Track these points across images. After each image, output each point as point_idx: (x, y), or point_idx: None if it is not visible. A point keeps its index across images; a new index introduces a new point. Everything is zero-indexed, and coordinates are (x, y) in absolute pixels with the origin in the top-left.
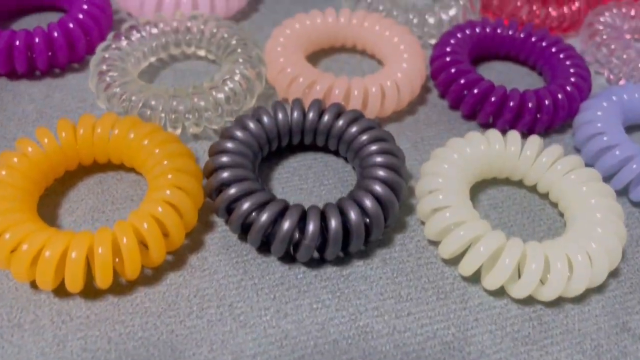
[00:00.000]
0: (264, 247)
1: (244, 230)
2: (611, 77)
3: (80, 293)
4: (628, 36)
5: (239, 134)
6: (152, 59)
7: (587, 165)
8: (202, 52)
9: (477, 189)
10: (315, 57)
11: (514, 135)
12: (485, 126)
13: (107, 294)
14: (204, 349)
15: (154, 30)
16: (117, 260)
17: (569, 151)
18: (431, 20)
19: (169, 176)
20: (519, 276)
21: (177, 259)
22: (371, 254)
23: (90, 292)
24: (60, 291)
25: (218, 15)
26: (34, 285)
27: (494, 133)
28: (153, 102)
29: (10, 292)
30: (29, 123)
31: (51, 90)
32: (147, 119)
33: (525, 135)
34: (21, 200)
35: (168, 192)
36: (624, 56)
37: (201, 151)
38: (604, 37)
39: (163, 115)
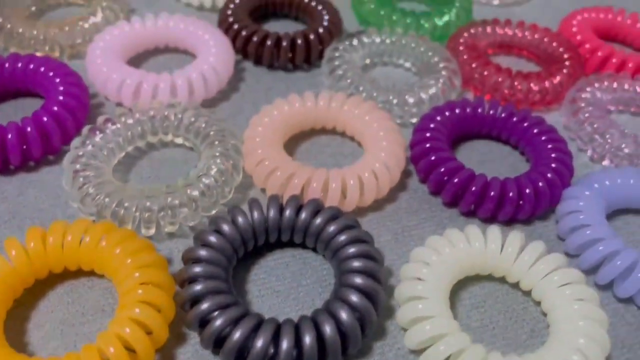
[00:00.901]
0: None
1: (217, 344)
2: (594, 155)
3: None
4: (612, 108)
5: (212, 239)
6: (129, 149)
7: (572, 256)
8: (179, 140)
9: (459, 286)
10: (295, 139)
11: (494, 231)
12: (467, 214)
13: None
14: None
15: (130, 121)
16: None
17: (553, 240)
18: (411, 100)
19: (139, 291)
20: None
21: None
22: None
23: None
24: None
25: (196, 103)
26: None
27: (473, 230)
28: (126, 204)
29: None
30: (1, 224)
31: (25, 187)
32: (121, 218)
33: (507, 223)
34: None
35: (137, 310)
36: (607, 136)
37: (176, 250)
38: (587, 115)
39: (137, 214)
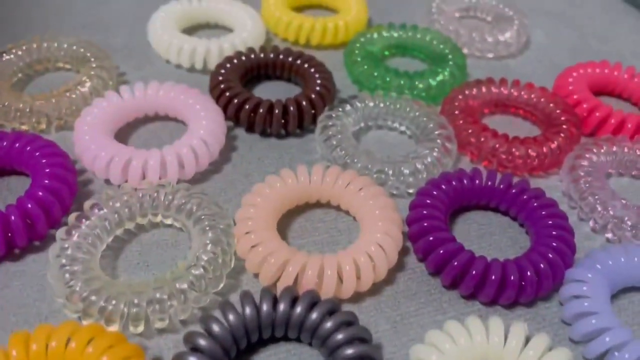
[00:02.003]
0: None
1: None
2: (596, 226)
3: None
4: (612, 171)
5: (202, 342)
6: (118, 232)
7: (580, 342)
8: (169, 221)
9: None
10: (289, 214)
11: (496, 323)
12: (468, 297)
13: None
14: None
15: (117, 204)
16: None
17: (557, 323)
18: (406, 170)
19: None
20: None
21: None
22: None
23: None
24: None
25: (187, 185)
26: None
27: (474, 322)
28: (114, 301)
29: None
30: None
31: (9, 279)
32: (108, 316)
33: (509, 306)
34: None
35: None
36: (609, 208)
37: (166, 348)
38: (587, 185)
39: (125, 310)
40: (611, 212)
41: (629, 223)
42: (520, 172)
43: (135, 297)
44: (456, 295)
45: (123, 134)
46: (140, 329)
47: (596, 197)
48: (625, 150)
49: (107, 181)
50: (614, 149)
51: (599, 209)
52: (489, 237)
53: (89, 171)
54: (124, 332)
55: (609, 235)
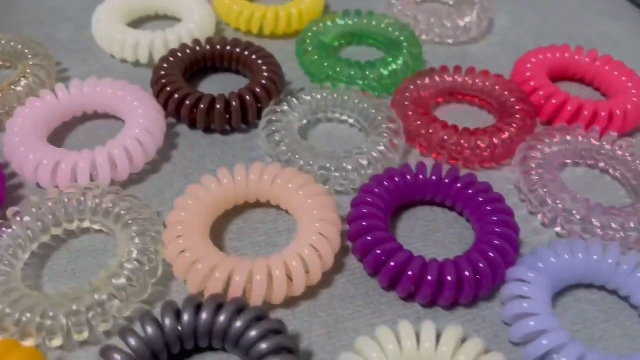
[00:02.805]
0: None
1: None
2: (545, 220)
3: None
4: (568, 161)
5: (117, 357)
6: (45, 239)
7: (520, 344)
8: (97, 226)
9: None
10: (228, 215)
11: (428, 327)
12: (407, 299)
13: None
14: None
15: (42, 210)
16: None
17: (499, 324)
18: (349, 167)
19: None
20: None
21: None
22: None
23: None
24: None
25: (117, 187)
26: None
27: (406, 328)
28: (28, 314)
29: None
30: None
31: None
32: (23, 329)
33: (449, 307)
34: None
35: None
36: (558, 201)
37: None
38: (537, 177)
39: (41, 323)
40: (560, 205)
41: (578, 217)
42: (471, 164)
43: (51, 310)
44: (395, 296)
45: (60, 135)
46: (58, 342)
47: (545, 189)
48: (580, 139)
49: (39, 185)
50: (568, 138)
51: (549, 201)
52: (434, 234)
53: (21, 175)
54: (44, 346)
55: (558, 229)
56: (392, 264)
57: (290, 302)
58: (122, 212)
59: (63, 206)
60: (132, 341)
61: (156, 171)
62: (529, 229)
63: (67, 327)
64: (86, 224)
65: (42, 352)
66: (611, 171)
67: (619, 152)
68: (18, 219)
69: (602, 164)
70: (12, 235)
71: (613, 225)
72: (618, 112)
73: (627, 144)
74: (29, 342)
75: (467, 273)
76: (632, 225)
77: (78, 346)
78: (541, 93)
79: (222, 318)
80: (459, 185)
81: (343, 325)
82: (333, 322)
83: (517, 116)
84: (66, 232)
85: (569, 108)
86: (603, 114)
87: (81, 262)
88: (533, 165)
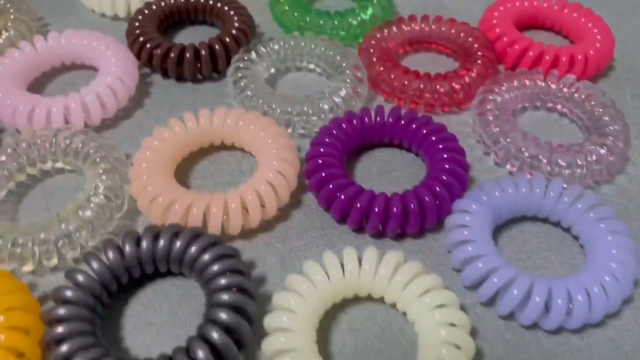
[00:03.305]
0: None
1: None
2: (497, 159)
3: None
4: (527, 104)
5: (80, 278)
6: (21, 178)
7: (457, 270)
8: (69, 167)
9: (340, 309)
10: (195, 156)
11: (371, 252)
12: (357, 231)
13: None
14: None
15: (16, 151)
16: None
17: (443, 254)
18: (310, 110)
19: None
20: None
21: None
22: None
23: None
24: None
25: (87, 130)
26: None
27: (349, 253)
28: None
29: None
30: None
31: None
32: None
33: (398, 238)
34: None
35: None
36: (508, 139)
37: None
38: (491, 117)
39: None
40: (511, 144)
41: (527, 154)
42: (432, 108)
43: (21, 237)
44: (347, 229)
45: (39, 85)
46: (29, 268)
47: (497, 129)
48: (539, 82)
49: (18, 131)
50: (527, 82)
51: (501, 140)
52: (390, 173)
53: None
54: (18, 271)
55: (509, 166)
56: (342, 197)
57: (248, 234)
58: (91, 151)
59: (36, 147)
60: (94, 264)
61: (128, 117)
62: (482, 168)
63: (37, 254)
64: (59, 165)
65: (16, 276)
66: (568, 113)
67: (576, 95)
68: None
69: (559, 107)
70: None
71: (560, 162)
72: (579, 56)
73: (584, 86)
74: (2, 267)
75: (412, 205)
76: (578, 162)
77: (49, 271)
78: (505, 39)
79: (177, 244)
80: (414, 126)
81: (296, 254)
82: (287, 252)
83: (479, 62)
84: (41, 172)
85: (530, 53)
86: (564, 58)
87: (54, 199)
88: (489, 107)
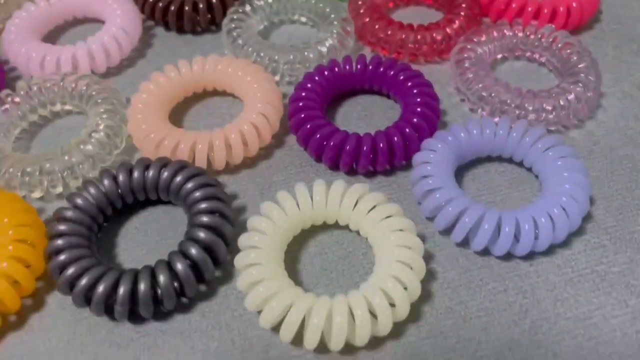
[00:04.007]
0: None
1: (70, 290)
2: (470, 106)
3: None
4: (507, 54)
5: (79, 200)
6: (33, 118)
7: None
8: (77, 109)
9: (309, 235)
10: (189, 101)
11: (338, 184)
12: (332, 169)
13: None
14: None
15: (29, 93)
16: None
17: (410, 188)
18: (297, 59)
19: (10, 247)
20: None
21: (19, 319)
22: (193, 307)
23: None
24: None
25: (92, 75)
26: None
27: (318, 185)
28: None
29: None
30: None
31: None
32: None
33: (369, 175)
34: None
35: (5, 264)
36: (480, 85)
37: None
38: (466, 65)
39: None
40: (482, 89)
41: (497, 99)
42: (414, 58)
43: (29, 167)
44: (323, 167)
45: (53, 36)
46: (37, 194)
47: (471, 75)
48: (518, 33)
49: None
50: (506, 33)
51: (473, 86)
52: (369, 118)
53: (17, 68)
54: (29, 197)
55: (480, 111)
56: (318, 136)
57: (232, 169)
58: (94, 94)
59: (46, 91)
60: (92, 189)
61: (131, 66)
62: (458, 114)
63: (45, 183)
64: (67, 107)
65: (28, 202)
66: (546, 63)
67: (553, 44)
68: (9, 99)
69: (537, 56)
70: (5, 113)
71: (527, 106)
72: (561, 8)
73: (562, 35)
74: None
75: (381, 144)
76: (545, 106)
77: (55, 198)
78: None
79: (165, 174)
80: (391, 72)
81: (275, 188)
82: (267, 186)
83: (462, 14)
84: (51, 113)
85: (513, 5)
86: (546, 10)
87: (63, 137)
88: (466, 56)
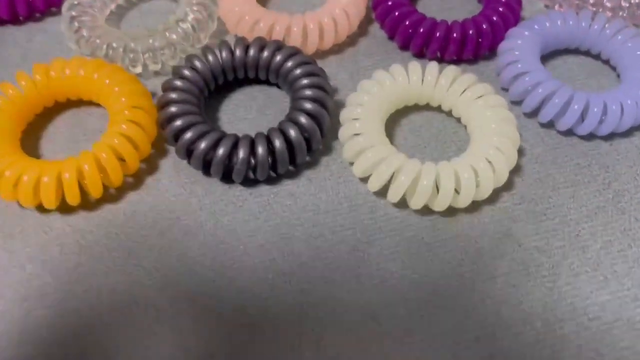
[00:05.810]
0: (208, 170)
1: (189, 156)
2: (547, 3)
3: (58, 209)
4: None
5: (186, 72)
6: (120, 1)
7: (505, 89)
8: None
9: (401, 114)
10: None
11: (432, 66)
12: (418, 56)
13: (79, 209)
14: (154, 252)
15: None
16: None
17: (493, 77)
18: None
19: (126, 112)
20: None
21: (137, 181)
22: (299, 174)
23: (65, 207)
24: (42, 208)
25: None
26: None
27: (414, 65)
28: (115, 45)
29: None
30: (14, 66)
31: (32, 34)
32: (110, 58)
33: (455, 63)
34: (5, 136)
35: (124, 126)
36: None
37: (159, 86)
38: None
39: (124, 54)
40: None
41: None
42: None
43: (132, 43)
44: (409, 55)
45: None
46: (138, 70)
47: None
48: None
49: None
50: None
51: None
52: (448, 11)
53: None
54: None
55: (557, 7)
56: (407, 22)
57: (321, 55)
58: None
59: None
60: (197, 63)
61: None
62: (533, 10)
63: (143, 58)
64: None
65: None
66: None
67: None
68: None
69: None
70: None
71: (606, 3)
72: None
73: None
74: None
75: (470, 32)
76: (622, 4)
77: (153, 75)
78: None
79: (265, 53)
80: None
81: (364, 72)
82: (355, 70)
83: None
84: None
85: None
86: None
87: (150, 19)
88: None
